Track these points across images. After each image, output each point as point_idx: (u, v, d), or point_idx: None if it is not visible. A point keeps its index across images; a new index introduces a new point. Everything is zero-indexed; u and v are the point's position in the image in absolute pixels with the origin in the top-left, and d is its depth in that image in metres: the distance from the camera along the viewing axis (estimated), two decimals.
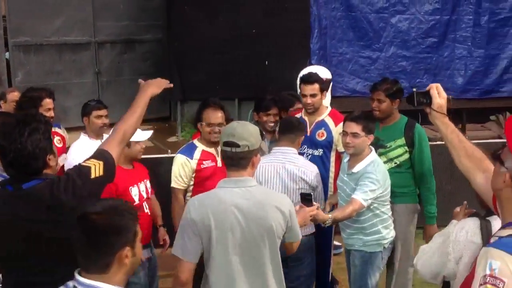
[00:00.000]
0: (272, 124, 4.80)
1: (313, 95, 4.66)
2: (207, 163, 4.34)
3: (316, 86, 4.66)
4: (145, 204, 4.12)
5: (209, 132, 4.24)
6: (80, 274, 1.93)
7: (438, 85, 2.58)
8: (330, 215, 3.69)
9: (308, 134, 4.77)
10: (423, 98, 2.59)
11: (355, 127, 3.91)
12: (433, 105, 2.53)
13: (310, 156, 4.69)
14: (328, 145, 4.66)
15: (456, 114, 7.83)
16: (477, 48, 7.53)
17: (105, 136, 4.48)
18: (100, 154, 2.62)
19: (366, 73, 7.25)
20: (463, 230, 2.57)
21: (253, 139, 2.77)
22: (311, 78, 4.70)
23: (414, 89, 2.62)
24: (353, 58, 7.24)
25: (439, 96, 2.53)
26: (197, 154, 4.29)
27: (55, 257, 2.39)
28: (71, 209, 2.24)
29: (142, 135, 4.11)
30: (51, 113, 4.87)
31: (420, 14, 7.06)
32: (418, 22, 7.16)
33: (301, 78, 4.82)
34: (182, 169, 4.22)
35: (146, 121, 11.86)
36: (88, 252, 1.91)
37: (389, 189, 3.99)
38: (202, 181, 4.20)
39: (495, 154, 2.04)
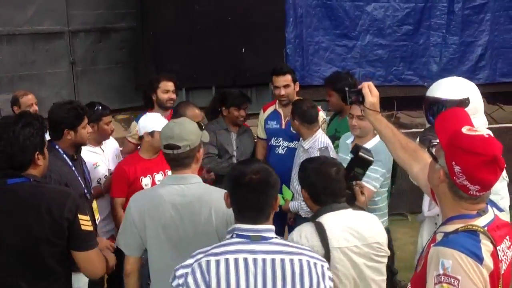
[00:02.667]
0: (242, 119, 4.90)
1: (286, 86, 4.68)
2: None
3: (289, 77, 4.68)
4: None
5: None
6: None
7: (370, 83, 2.73)
8: None
9: (283, 127, 4.78)
10: (356, 96, 2.73)
11: (360, 110, 3.98)
12: (366, 103, 2.67)
13: (286, 149, 4.71)
14: None
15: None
16: (452, 36, 7.57)
17: (106, 142, 4.44)
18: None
19: (343, 62, 7.26)
20: (302, 236, 2.64)
21: (193, 137, 2.78)
22: (282, 69, 4.73)
23: (346, 89, 2.70)
24: (330, 47, 7.24)
25: (371, 94, 2.67)
26: None
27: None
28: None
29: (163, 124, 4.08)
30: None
31: (395, 1, 7.06)
32: (393, 10, 7.17)
33: (273, 70, 4.82)
34: None
35: (120, 110, 11.87)
36: (261, 206, 2.20)
37: (388, 175, 4.06)
38: None
39: (428, 150, 2.14)
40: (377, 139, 4.02)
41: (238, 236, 2.17)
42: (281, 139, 4.80)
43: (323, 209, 2.74)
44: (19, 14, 10.04)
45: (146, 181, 4.14)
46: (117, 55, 11.58)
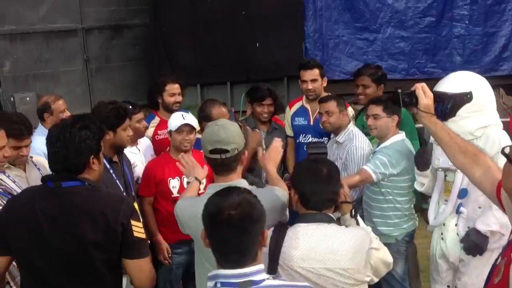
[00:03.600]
0: (266, 115, 4.68)
1: (313, 81, 4.57)
2: None
3: (316, 71, 4.58)
4: None
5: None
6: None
7: (424, 84, 2.60)
8: None
9: (311, 123, 4.66)
10: (409, 98, 2.57)
11: (375, 109, 3.87)
12: (419, 105, 2.53)
13: None
14: None
15: None
16: (475, 26, 7.41)
17: (141, 141, 4.35)
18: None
19: (364, 55, 7.12)
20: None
21: (238, 139, 2.66)
22: (310, 64, 4.64)
23: (399, 90, 2.56)
24: (350, 41, 7.10)
25: (425, 95, 2.53)
26: None
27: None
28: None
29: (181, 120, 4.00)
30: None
31: None
32: (415, 1, 7.01)
33: (301, 64, 4.73)
34: None
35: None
36: (245, 247, 1.89)
37: (408, 177, 3.89)
38: None
39: (502, 152, 1.93)
40: (396, 138, 3.91)
41: (224, 285, 1.87)
42: (309, 135, 4.67)
43: (302, 217, 2.56)
44: (32, 12, 9.96)
45: (174, 183, 4.04)
46: (130, 52, 11.53)
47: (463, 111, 3.19)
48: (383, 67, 7.22)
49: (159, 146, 4.62)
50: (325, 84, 4.69)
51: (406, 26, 7.01)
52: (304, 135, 4.72)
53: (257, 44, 10.51)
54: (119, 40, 11.41)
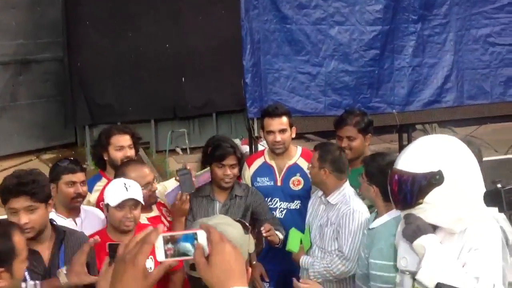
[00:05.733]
0: (228, 180, 3.75)
1: (282, 131, 3.88)
2: None
3: (285, 119, 3.90)
4: None
5: None
6: None
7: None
8: None
9: (279, 183, 3.97)
10: None
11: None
12: None
13: (285, 212, 3.92)
14: (306, 194, 3.90)
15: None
16: (415, 57, 7.14)
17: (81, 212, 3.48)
18: None
19: (307, 90, 6.62)
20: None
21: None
22: (278, 110, 3.96)
23: (499, 186, 1.95)
24: (291, 75, 6.59)
25: None
26: None
27: None
28: None
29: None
30: None
31: (361, 24, 6.53)
32: (359, 33, 6.62)
33: (265, 111, 4.07)
34: None
35: (48, 149, 10.80)
36: None
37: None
38: None
39: None
40: (393, 214, 3.13)
41: None
42: (277, 199, 3.94)
43: None
44: None
45: None
46: (40, 88, 10.60)
47: (431, 197, 2.42)
48: (327, 103, 6.86)
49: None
50: (294, 135, 4.01)
51: (351, 59, 6.60)
52: (269, 198, 3.98)
53: (183, 79, 9.91)
54: (27, 76, 10.46)
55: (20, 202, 2.74)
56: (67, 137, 10.97)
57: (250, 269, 1.78)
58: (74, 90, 10.17)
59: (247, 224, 1.87)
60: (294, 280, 2.98)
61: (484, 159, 7.04)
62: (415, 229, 2.42)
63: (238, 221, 1.84)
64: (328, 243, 3.52)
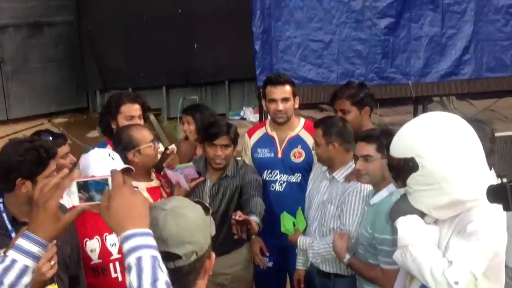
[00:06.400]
0: (219, 161, 3.56)
1: (285, 100, 3.70)
2: None
3: (288, 88, 3.71)
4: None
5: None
6: None
7: None
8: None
9: (280, 155, 3.80)
10: None
11: (366, 148, 3.04)
12: None
13: (285, 185, 3.75)
14: (307, 167, 3.70)
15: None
16: (432, 27, 6.89)
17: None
18: None
19: (319, 59, 6.42)
20: None
21: (200, 236, 1.62)
22: (281, 79, 3.76)
23: (505, 180, 1.77)
24: (303, 43, 6.39)
25: None
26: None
27: None
28: None
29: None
30: None
31: None
32: (373, 0, 6.39)
33: (268, 79, 3.88)
34: None
35: (60, 113, 10.76)
36: None
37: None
38: None
39: None
40: (391, 188, 2.98)
41: None
42: (277, 171, 3.77)
43: None
44: None
45: (92, 245, 3.02)
46: (52, 52, 10.45)
47: (412, 182, 2.29)
48: (339, 72, 6.67)
49: None
50: (297, 106, 3.82)
51: (364, 27, 6.37)
52: (269, 171, 3.80)
53: (196, 45, 9.71)
54: (38, 39, 10.31)
55: None
56: (78, 102, 10.89)
57: (213, 256, 1.68)
58: (85, 54, 10.04)
59: (208, 205, 1.73)
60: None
61: (501, 134, 6.87)
62: (395, 210, 2.39)
63: (198, 202, 1.69)
64: (329, 220, 3.37)
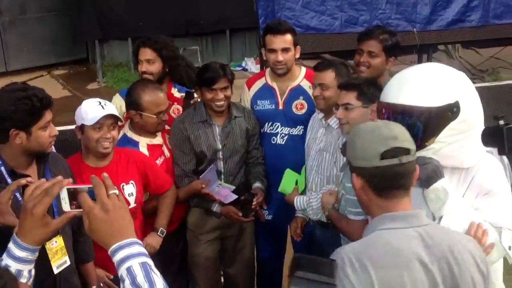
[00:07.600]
0: (220, 103, 3.43)
1: (285, 50, 3.55)
2: (159, 162, 3.42)
3: (289, 37, 3.56)
4: None
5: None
6: None
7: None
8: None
9: (281, 107, 3.69)
10: None
11: (346, 96, 2.92)
12: None
13: (286, 138, 3.63)
14: (310, 119, 3.64)
15: None
16: None
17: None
18: None
19: (322, 6, 6.25)
20: None
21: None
22: (282, 27, 3.61)
23: (501, 123, 1.67)
24: None
25: None
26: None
27: None
28: None
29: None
30: None
31: None
32: None
33: (268, 27, 3.72)
34: None
35: (59, 65, 10.62)
36: None
37: None
38: None
39: None
40: None
41: None
42: (278, 124, 3.64)
43: None
44: None
45: None
46: (50, 2, 10.26)
47: (446, 134, 2.10)
48: (343, 19, 6.51)
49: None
50: (298, 56, 3.68)
51: None
52: (270, 123, 3.67)
53: None
54: None
55: None
56: (78, 53, 10.75)
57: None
58: (83, 3, 9.84)
59: None
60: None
61: (506, 82, 6.76)
62: (430, 173, 2.10)
63: None
64: (327, 168, 3.29)
